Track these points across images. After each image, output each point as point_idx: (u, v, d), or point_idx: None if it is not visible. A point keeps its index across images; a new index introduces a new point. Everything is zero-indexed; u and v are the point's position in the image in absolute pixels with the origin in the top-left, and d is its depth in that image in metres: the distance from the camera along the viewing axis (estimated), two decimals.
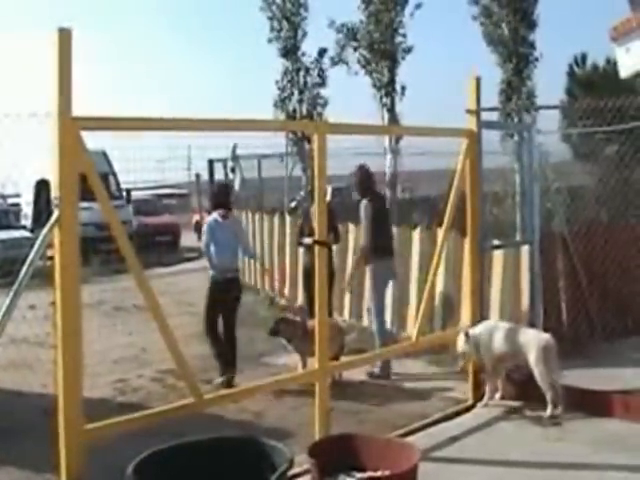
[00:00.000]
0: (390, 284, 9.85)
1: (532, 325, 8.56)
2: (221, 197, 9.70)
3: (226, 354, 9.34)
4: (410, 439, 6.55)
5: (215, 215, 9.55)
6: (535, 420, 7.29)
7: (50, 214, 4.84)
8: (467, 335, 7.63)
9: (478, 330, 7.67)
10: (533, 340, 7.44)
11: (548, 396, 7.31)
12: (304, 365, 8.98)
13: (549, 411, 7.27)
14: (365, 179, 9.62)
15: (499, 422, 7.34)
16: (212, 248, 9.35)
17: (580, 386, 7.49)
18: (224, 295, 9.21)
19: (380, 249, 9.38)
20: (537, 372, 7.33)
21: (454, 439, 6.87)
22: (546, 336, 7.50)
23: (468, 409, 7.76)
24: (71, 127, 4.72)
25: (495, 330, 7.65)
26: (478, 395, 7.88)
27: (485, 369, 7.70)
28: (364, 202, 9.42)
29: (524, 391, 7.79)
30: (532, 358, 7.35)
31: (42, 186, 21.99)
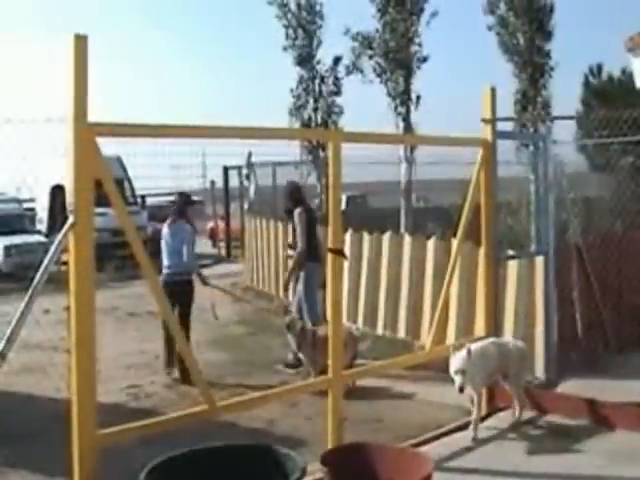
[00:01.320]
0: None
1: (547, 335, 8.56)
2: (179, 205, 10.48)
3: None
4: (423, 449, 6.52)
5: (167, 221, 10.32)
6: (549, 431, 7.25)
7: (65, 219, 4.84)
8: (469, 352, 6.95)
9: (474, 346, 7.21)
10: (514, 349, 7.58)
11: (519, 401, 7.55)
12: (314, 373, 9.04)
13: (518, 414, 7.52)
14: (294, 192, 10.57)
15: (513, 433, 7.30)
16: (163, 252, 10.04)
17: (595, 398, 7.45)
18: (174, 297, 9.14)
19: (312, 254, 10.10)
20: (515, 379, 7.53)
21: (468, 449, 6.84)
22: (522, 343, 7.83)
23: (482, 420, 7.71)
24: (87, 133, 4.72)
25: (484, 345, 7.44)
26: (491, 406, 7.85)
27: (474, 387, 7.29)
28: (298, 210, 10.10)
29: (537, 401, 7.76)
30: (514, 367, 7.50)
31: (57, 191, 22.10)
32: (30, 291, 4.77)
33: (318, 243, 10.26)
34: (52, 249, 4.80)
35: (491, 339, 7.63)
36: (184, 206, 10.46)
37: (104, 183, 4.90)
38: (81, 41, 4.69)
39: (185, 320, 9.71)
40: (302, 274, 10.16)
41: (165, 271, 9.96)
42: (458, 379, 6.91)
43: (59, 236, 4.74)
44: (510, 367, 7.48)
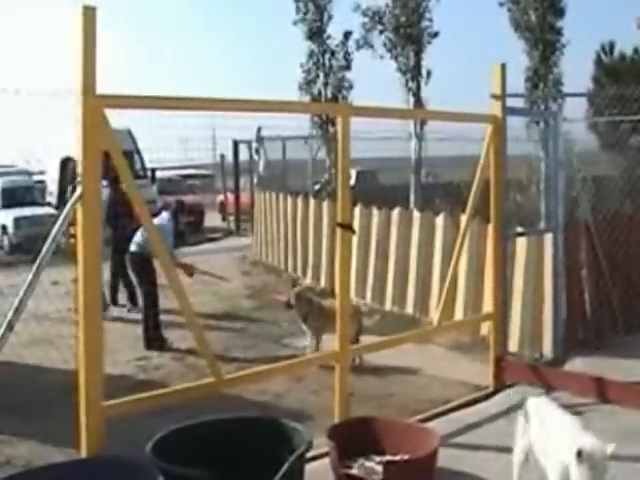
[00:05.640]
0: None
1: (555, 313, 8.55)
2: (174, 209, 10.87)
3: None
4: (430, 424, 6.53)
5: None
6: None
7: (73, 191, 4.85)
8: (580, 454, 4.23)
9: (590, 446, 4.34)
10: None
11: None
12: (317, 346, 9.27)
13: None
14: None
15: (519, 409, 7.30)
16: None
17: (602, 376, 7.43)
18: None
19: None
20: None
21: (475, 425, 6.84)
22: None
23: (489, 396, 7.72)
24: (95, 105, 4.70)
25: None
26: (499, 382, 7.86)
27: None
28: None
29: (545, 378, 7.76)
30: None
31: (67, 163, 22.09)
32: (37, 262, 4.77)
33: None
34: (59, 220, 4.80)
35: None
36: (178, 212, 10.94)
37: (112, 155, 4.89)
38: (90, 13, 4.66)
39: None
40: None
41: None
42: None
43: (66, 207, 4.74)
44: None
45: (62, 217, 4.80)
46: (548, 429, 4.73)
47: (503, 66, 7.86)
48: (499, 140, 7.77)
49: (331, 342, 7.01)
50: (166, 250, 5.79)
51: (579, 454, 4.18)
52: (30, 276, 4.77)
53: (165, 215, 10.53)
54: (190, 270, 10.41)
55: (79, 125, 4.68)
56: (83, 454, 4.78)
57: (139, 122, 20.15)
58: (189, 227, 21.33)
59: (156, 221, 10.14)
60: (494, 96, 7.83)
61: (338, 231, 6.39)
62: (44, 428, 6.86)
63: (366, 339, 8.94)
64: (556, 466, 4.45)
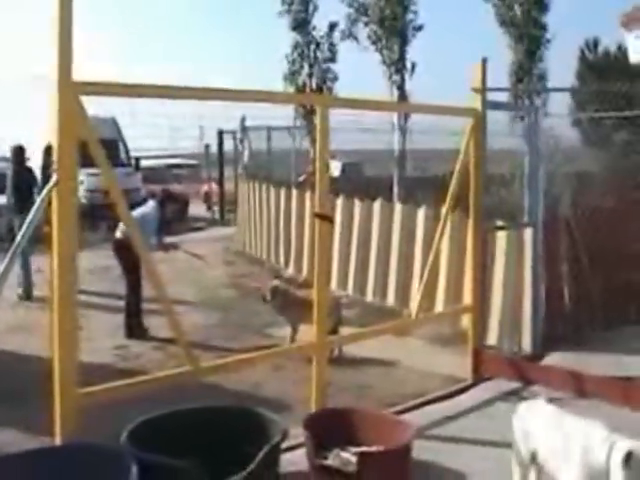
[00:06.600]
0: None
1: (534, 307, 8.59)
2: (161, 198, 10.91)
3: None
4: (406, 416, 6.54)
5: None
6: None
7: (48, 178, 4.82)
8: (629, 458, 3.94)
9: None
10: None
11: None
12: (293, 337, 9.27)
13: None
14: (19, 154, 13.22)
15: (496, 403, 7.33)
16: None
17: (580, 371, 7.46)
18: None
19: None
20: None
21: (451, 418, 6.87)
22: None
23: (467, 389, 7.75)
24: (71, 92, 4.66)
25: None
26: (477, 375, 7.88)
27: None
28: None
29: (524, 372, 7.79)
30: None
31: (50, 151, 21.97)
32: (13, 248, 4.75)
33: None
34: (35, 206, 4.78)
35: None
36: (164, 201, 10.94)
37: (89, 143, 4.86)
38: None
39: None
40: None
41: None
42: None
43: (42, 193, 4.72)
44: None
45: (37, 203, 4.77)
46: (565, 431, 4.40)
47: (484, 60, 7.87)
48: (479, 134, 7.79)
49: (310, 333, 7.01)
50: (142, 238, 5.76)
51: (628, 458, 3.86)
52: (5, 261, 4.74)
53: (151, 203, 10.61)
54: (170, 248, 10.79)
55: (54, 112, 4.65)
56: (57, 441, 4.77)
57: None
58: (173, 216, 21.30)
59: (142, 209, 10.36)
60: (475, 90, 7.84)
61: (316, 222, 6.40)
62: (23, 416, 6.79)
63: (346, 331, 8.96)
64: (584, 470, 4.10)
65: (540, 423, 4.68)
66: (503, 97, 14.75)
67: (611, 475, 3.95)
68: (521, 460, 4.80)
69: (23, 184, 13.00)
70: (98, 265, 14.05)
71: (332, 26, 24.45)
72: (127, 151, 24.65)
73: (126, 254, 10.16)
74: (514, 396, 7.46)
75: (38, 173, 24.23)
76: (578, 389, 7.31)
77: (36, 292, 12.20)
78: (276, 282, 10.04)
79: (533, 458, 4.67)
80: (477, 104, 7.82)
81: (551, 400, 6.34)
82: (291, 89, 24.27)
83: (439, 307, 10.06)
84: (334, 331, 8.55)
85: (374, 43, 20.56)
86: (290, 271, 14.16)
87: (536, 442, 4.63)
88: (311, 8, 24.89)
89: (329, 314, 7.11)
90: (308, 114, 22.71)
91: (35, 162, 25.33)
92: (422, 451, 5.63)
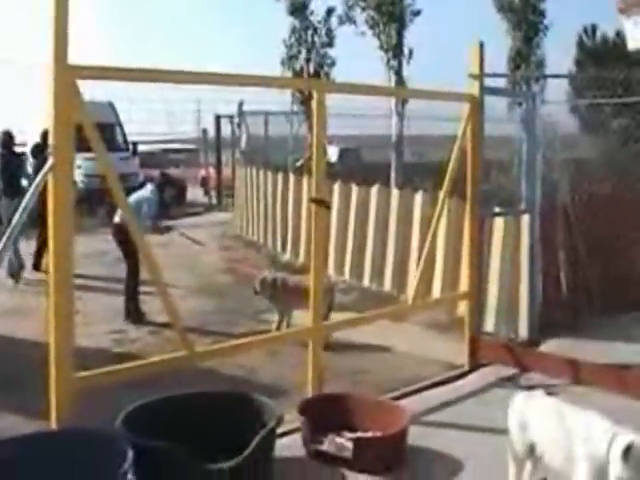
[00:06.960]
0: None
1: (531, 294, 8.58)
2: (160, 182, 11.01)
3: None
4: (403, 402, 6.55)
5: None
6: (528, 389, 7.27)
7: (44, 162, 4.80)
8: (628, 451, 3.91)
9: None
10: None
11: None
12: (279, 324, 9.37)
13: None
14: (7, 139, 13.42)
15: (493, 389, 7.33)
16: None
17: (576, 358, 7.46)
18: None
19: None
20: None
21: (447, 404, 6.85)
22: None
23: (463, 375, 7.74)
24: (67, 76, 4.63)
25: None
26: (474, 361, 7.88)
27: None
28: None
29: (520, 359, 7.79)
30: None
31: (48, 136, 21.94)
32: (8, 232, 4.73)
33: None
34: (30, 190, 4.75)
35: None
36: (163, 185, 10.99)
37: (85, 127, 4.84)
38: None
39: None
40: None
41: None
42: None
43: (38, 178, 4.70)
44: None
45: (33, 187, 4.75)
46: (565, 423, 4.35)
47: (481, 45, 7.81)
48: (476, 119, 7.76)
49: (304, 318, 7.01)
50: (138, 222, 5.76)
51: (627, 451, 3.83)
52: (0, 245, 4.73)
53: (149, 186, 10.66)
54: (164, 230, 10.90)
55: (50, 96, 4.62)
56: (53, 426, 4.76)
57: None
58: (171, 201, 21.26)
59: (141, 192, 10.43)
60: (472, 75, 7.80)
61: (313, 207, 6.38)
62: (18, 400, 6.80)
63: (343, 316, 8.95)
64: (586, 461, 4.07)
65: (538, 415, 4.63)
66: (501, 83, 14.72)
67: (611, 467, 3.94)
68: (517, 452, 4.74)
69: (12, 169, 13.30)
70: (97, 249, 14.07)
71: (330, 11, 24.39)
72: (124, 135, 24.60)
73: (125, 238, 10.15)
74: (511, 382, 7.47)
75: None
76: (574, 376, 7.31)
77: (26, 274, 12.46)
78: (265, 273, 10.06)
79: (531, 450, 4.62)
80: (474, 90, 7.79)
81: (548, 389, 6.42)
82: (289, 74, 24.22)
83: (436, 293, 10.06)
84: (325, 316, 8.55)
85: (372, 28, 20.47)
86: (287, 256, 14.17)
87: (534, 434, 4.59)
88: None
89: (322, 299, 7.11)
90: (306, 100, 22.67)
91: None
92: (418, 437, 5.64)
